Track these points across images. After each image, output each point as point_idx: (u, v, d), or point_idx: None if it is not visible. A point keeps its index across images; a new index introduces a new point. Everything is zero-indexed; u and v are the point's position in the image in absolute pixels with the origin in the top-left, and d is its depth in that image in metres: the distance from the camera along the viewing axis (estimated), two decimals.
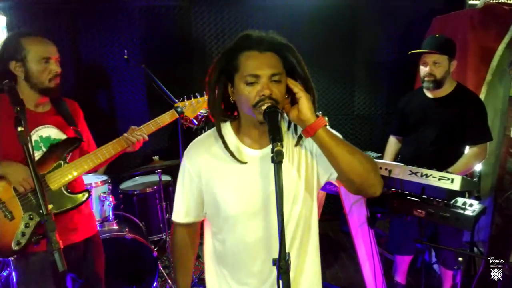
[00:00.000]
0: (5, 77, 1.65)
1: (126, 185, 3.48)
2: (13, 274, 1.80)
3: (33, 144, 1.72)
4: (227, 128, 1.22)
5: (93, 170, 1.94)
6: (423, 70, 2.37)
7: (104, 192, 2.79)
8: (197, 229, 1.37)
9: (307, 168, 1.21)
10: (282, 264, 0.89)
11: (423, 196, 1.99)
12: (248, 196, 1.17)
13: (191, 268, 1.40)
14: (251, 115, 1.11)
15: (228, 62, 1.12)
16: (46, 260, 1.72)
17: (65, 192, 1.78)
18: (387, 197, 2.11)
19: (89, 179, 2.82)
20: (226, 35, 3.83)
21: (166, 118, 2.03)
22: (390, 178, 2.07)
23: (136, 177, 3.62)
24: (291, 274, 0.96)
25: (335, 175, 1.19)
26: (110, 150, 1.89)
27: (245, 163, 1.16)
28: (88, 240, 1.95)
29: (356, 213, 2.32)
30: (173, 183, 3.54)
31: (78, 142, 1.86)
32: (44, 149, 1.78)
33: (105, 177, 2.91)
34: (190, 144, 1.27)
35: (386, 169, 2.10)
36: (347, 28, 3.91)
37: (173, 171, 3.53)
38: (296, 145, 1.20)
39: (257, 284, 1.23)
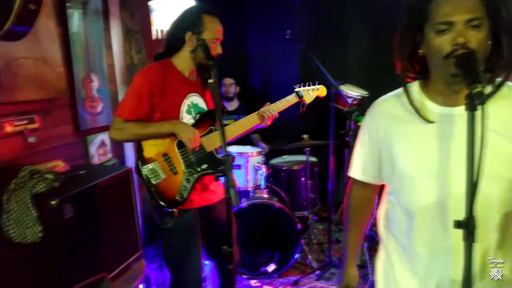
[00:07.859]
0: (176, 42, 1.85)
1: (275, 161, 3.67)
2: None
3: (186, 108, 1.88)
4: (414, 86, 1.13)
5: (234, 139, 2.12)
6: None
7: (258, 162, 2.99)
8: (374, 193, 1.33)
9: None
10: (470, 221, 0.78)
11: None
12: (426, 156, 1.07)
13: (363, 229, 1.36)
14: (442, 69, 1.00)
15: (417, 12, 1.02)
16: (195, 217, 1.91)
17: (216, 155, 1.92)
18: None
19: (246, 149, 3.07)
20: (378, 17, 3.62)
21: (290, 100, 2.26)
22: None
23: (285, 155, 3.78)
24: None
25: None
26: (250, 121, 2.06)
27: (431, 122, 1.05)
28: (221, 202, 2.02)
29: None
30: (318, 165, 3.57)
31: (224, 112, 2.05)
32: (193, 114, 1.92)
33: (260, 149, 3.12)
34: (374, 103, 1.23)
35: None
36: None
37: (320, 153, 3.56)
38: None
39: (424, 253, 1.11)
